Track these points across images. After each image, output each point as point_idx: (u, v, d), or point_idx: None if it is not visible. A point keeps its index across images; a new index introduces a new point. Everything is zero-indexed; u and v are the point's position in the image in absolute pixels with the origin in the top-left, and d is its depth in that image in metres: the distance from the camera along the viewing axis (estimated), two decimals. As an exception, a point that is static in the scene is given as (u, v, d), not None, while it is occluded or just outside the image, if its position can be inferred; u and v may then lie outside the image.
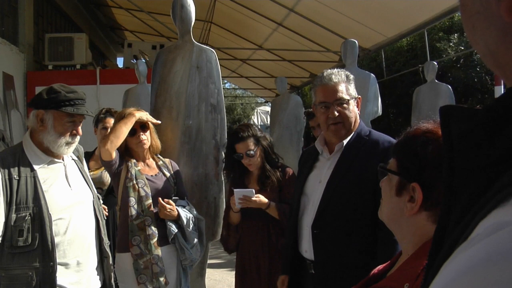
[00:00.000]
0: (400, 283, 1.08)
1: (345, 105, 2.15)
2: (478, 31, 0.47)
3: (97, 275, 2.45)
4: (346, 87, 2.17)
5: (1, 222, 2.13)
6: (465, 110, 0.52)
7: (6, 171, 2.17)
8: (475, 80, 9.81)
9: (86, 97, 2.39)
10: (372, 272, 1.30)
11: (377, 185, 1.94)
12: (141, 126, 2.84)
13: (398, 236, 1.20)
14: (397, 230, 1.20)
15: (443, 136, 0.54)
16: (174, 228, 2.75)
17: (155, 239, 2.69)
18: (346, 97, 2.15)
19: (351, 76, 2.23)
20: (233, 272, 3.04)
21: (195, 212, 2.90)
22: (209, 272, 4.40)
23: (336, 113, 2.14)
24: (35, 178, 2.22)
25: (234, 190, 2.79)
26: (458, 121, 0.52)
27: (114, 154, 2.72)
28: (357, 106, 2.21)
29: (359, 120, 2.23)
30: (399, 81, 10.46)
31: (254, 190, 2.75)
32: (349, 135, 2.19)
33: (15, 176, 2.17)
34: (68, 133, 2.31)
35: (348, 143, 2.17)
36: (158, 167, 2.93)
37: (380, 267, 1.30)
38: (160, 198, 2.73)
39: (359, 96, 2.23)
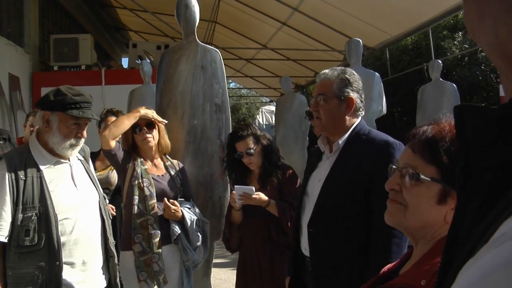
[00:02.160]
0: (416, 280, 1.06)
1: (323, 101, 2.12)
2: (487, 18, 0.45)
3: (103, 274, 2.47)
4: (332, 84, 2.12)
5: (8, 222, 2.15)
6: (480, 109, 0.51)
7: (13, 171, 2.19)
8: (480, 78, 9.75)
9: (92, 100, 2.40)
10: (382, 270, 1.29)
11: (370, 184, 1.95)
12: (147, 124, 2.85)
13: (421, 239, 1.15)
14: (427, 235, 1.14)
15: (457, 135, 0.53)
16: (177, 229, 2.75)
17: (157, 239, 2.69)
18: (328, 93, 2.11)
19: (350, 76, 2.15)
20: (238, 271, 3.04)
21: (200, 215, 2.91)
22: (214, 271, 4.41)
23: (314, 107, 2.14)
24: (41, 178, 2.24)
25: (235, 186, 2.81)
26: (473, 120, 0.51)
27: (113, 144, 2.74)
28: (349, 107, 2.12)
29: (357, 120, 2.17)
30: (404, 80, 10.42)
31: (254, 188, 2.77)
32: (343, 133, 2.14)
33: (21, 176, 2.19)
34: (73, 136, 2.32)
35: (346, 143, 2.14)
36: (166, 167, 2.94)
37: (389, 265, 1.30)
38: (165, 199, 2.74)
39: (352, 97, 2.12)
